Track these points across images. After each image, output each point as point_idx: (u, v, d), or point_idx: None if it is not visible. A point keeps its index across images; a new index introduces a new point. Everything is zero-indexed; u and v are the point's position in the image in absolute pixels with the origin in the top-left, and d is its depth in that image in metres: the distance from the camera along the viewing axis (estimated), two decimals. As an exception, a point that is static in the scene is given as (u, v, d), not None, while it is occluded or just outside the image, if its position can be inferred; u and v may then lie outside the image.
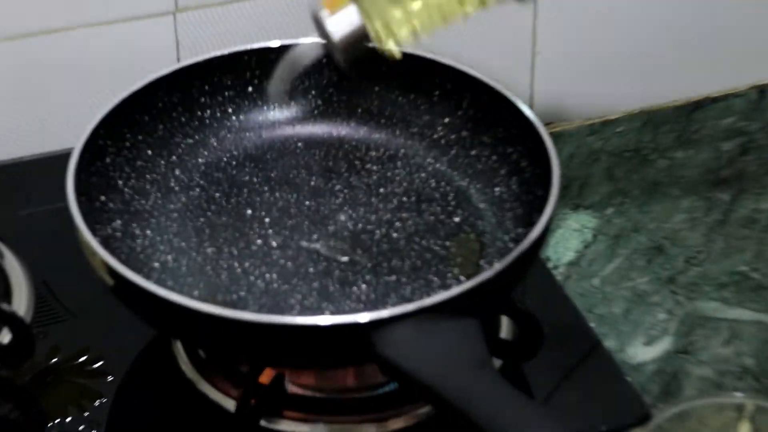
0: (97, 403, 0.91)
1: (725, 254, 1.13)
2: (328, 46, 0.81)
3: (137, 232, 0.94)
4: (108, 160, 0.95)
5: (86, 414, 0.90)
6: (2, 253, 1.01)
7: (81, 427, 0.89)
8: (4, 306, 0.91)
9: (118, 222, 0.94)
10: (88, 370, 0.93)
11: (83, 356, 0.94)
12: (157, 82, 0.98)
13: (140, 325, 0.90)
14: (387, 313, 0.79)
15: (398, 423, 0.89)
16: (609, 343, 0.97)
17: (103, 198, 0.94)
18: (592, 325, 0.98)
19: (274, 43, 1.01)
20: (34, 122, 1.14)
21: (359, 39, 0.80)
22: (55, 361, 0.94)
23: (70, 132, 0.96)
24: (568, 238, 1.14)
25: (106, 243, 0.88)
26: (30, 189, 1.08)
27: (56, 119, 1.13)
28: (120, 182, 0.96)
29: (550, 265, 1.10)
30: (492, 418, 0.72)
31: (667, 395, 1.01)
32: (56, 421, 0.89)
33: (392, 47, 0.80)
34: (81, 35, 1.12)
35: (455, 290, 0.80)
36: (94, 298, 0.94)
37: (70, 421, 0.89)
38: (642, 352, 1.05)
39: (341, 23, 0.80)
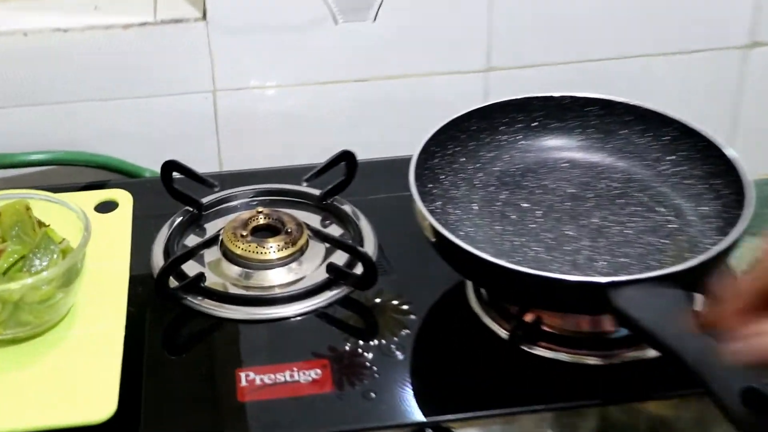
0: (403, 333, 0.93)
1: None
2: None
3: (450, 210, 0.98)
4: (435, 161, 0.99)
5: (395, 339, 0.92)
6: (359, 217, 1.05)
7: (392, 347, 0.91)
8: (360, 248, 0.97)
9: (439, 203, 0.98)
10: (400, 309, 0.95)
11: (397, 300, 0.97)
12: (471, 113, 1.02)
13: (437, 283, 0.95)
14: (623, 277, 0.81)
15: (614, 360, 0.89)
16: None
17: (429, 186, 0.98)
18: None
19: (555, 93, 1.03)
20: (380, 136, 1.20)
21: None
22: (379, 300, 0.97)
23: (408, 143, 0.99)
24: (744, 252, 1.14)
25: (431, 215, 0.92)
26: (379, 181, 1.11)
27: (397, 135, 1.16)
28: (441, 177, 1.00)
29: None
30: (698, 357, 0.72)
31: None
32: (376, 342, 0.92)
33: None
34: (413, 82, 1.16)
35: (671, 269, 0.82)
36: (409, 260, 0.99)
37: (385, 342, 0.92)
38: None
39: None
